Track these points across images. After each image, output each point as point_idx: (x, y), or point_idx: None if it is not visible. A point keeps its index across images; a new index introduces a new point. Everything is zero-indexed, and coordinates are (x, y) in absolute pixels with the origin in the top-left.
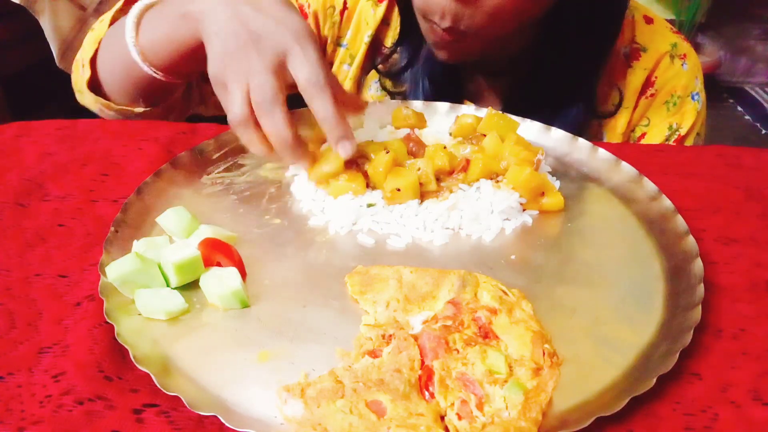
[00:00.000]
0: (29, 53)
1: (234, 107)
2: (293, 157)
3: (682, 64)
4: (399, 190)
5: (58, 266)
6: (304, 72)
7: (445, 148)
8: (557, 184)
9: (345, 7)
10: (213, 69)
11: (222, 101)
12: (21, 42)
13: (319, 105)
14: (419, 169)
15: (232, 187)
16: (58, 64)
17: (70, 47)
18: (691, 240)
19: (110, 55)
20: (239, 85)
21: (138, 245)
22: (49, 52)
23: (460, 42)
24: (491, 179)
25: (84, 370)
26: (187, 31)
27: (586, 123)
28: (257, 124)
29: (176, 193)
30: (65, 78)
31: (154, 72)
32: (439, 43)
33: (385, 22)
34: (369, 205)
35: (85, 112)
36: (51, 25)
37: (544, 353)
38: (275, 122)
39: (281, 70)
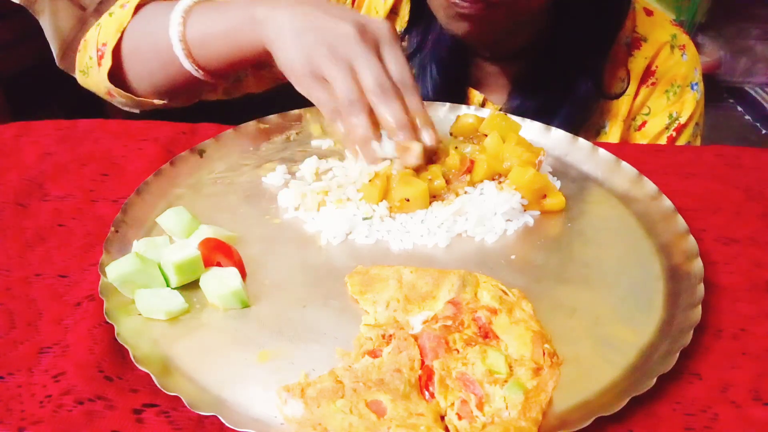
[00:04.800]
0: (29, 53)
1: (346, 92)
2: (410, 139)
3: (682, 55)
4: (408, 200)
5: (58, 266)
6: (398, 67)
7: (456, 148)
8: (557, 184)
9: None
10: (300, 62)
11: (314, 92)
12: (21, 42)
13: (412, 99)
14: (428, 172)
15: (232, 187)
16: (58, 64)
17: (70, 47)
18: (691, 240)
19: (144, 46)
20: (343, 72)
21: (138, 245)
22: (49, 52)
23: (488, 11)
24: (494, 180)
25: (84, 370)
26: (253, 36)
27: (594, 104)
28: (370, 109)
29: (176, 193)
30: (65, 78)
31: (196, 70)
32: (463, 14)
33: (393, 11)
34: (365, 218)
35: (85, 113)
36: (51, 25)
37: (544, 353)
38: (397, 106)
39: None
